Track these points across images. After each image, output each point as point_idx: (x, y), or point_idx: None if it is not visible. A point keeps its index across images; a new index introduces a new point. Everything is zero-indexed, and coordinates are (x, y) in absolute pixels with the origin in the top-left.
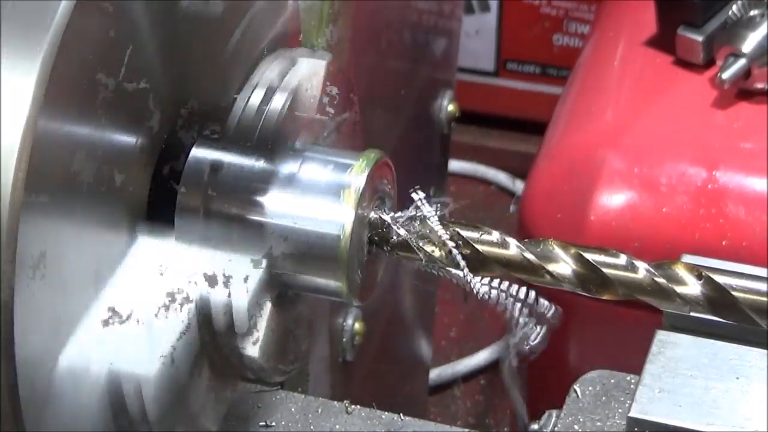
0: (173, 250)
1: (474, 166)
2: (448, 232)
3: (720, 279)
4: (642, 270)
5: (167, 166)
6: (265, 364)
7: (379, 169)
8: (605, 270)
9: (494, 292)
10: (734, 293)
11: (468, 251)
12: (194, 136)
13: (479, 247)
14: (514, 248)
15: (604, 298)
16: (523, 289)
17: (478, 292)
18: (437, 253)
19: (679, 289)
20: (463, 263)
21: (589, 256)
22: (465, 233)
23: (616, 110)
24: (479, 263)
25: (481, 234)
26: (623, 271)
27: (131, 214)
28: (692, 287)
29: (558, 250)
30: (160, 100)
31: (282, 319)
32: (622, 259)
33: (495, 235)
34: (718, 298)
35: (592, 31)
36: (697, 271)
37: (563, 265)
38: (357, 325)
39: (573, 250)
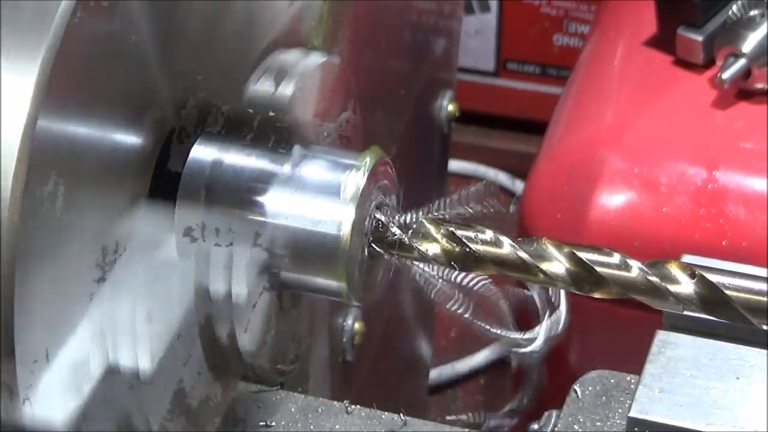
0: (174, 249)
1: (474, 166)
2: (442, 231)
3: (713, 278)
4: (635, 269)
5: (168, 165)
6: (264, 363)
7: (379, 168)
8: (599, 269)
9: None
10: (727, 292)
11: (462, 250)
12: (196, 134)
13: (473, 246)
14: (507, 247)
15: (598, 296)
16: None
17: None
18: (432, 252)
19: (672, 287)
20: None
21: (583, 255)
22: (459, 232)
23: (616, 110)
24: (473, 262)
25: (475, 233)
26: (617, 270)
27: (131, 212)
28: (685, 286)
29: (552, 249)
30: (162, 98)
31: (282, 319)
32: (616, 258)
33: (489, 234)
34: (711, 296)
35: (592, 31)
36: (691, 270)
37: (557, 264)
38: (357, 325)
39: (566, 249)
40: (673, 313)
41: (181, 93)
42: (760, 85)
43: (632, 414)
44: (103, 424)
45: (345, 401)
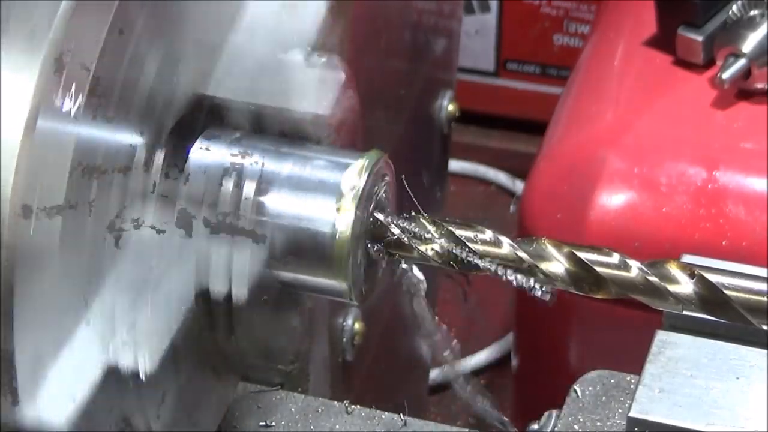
0: (174, 248)
1: (474, 166)
2: (441, 231)
3: (713, 278)
4: (635, 269)
5: (169, 163)
6: (264, 363)
7: (379, 169)
8: (598, 269)
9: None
10: (727, 292)
11: (462, 250)
12: (197, 132)
13: (473, 246)
14: (507, 247)
15: (597, 296)
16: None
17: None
18: (431, 252)
19: (671, 287)
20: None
21: (582, 255)
22: (458, 232)
23: (616, 110)
24: (473, 262)
25: (475, 233)
26: (616, 270)
27: (132, 211)
28: (685, 286)
29: (551, 249)
30: (162, 98)
31: (282, 319)
32: (615, 258)
33: (488, 234)
34: (710, 296)
35: (592, 31)
36: (690, 270)
37: (556, 264)
38: (357, 325)
39: (566, 249)
40: (673, 313)
41: (181, 91)
42: (760, 85)
43: (632, 414)
44: (102, 425)
45: (345, 401)
